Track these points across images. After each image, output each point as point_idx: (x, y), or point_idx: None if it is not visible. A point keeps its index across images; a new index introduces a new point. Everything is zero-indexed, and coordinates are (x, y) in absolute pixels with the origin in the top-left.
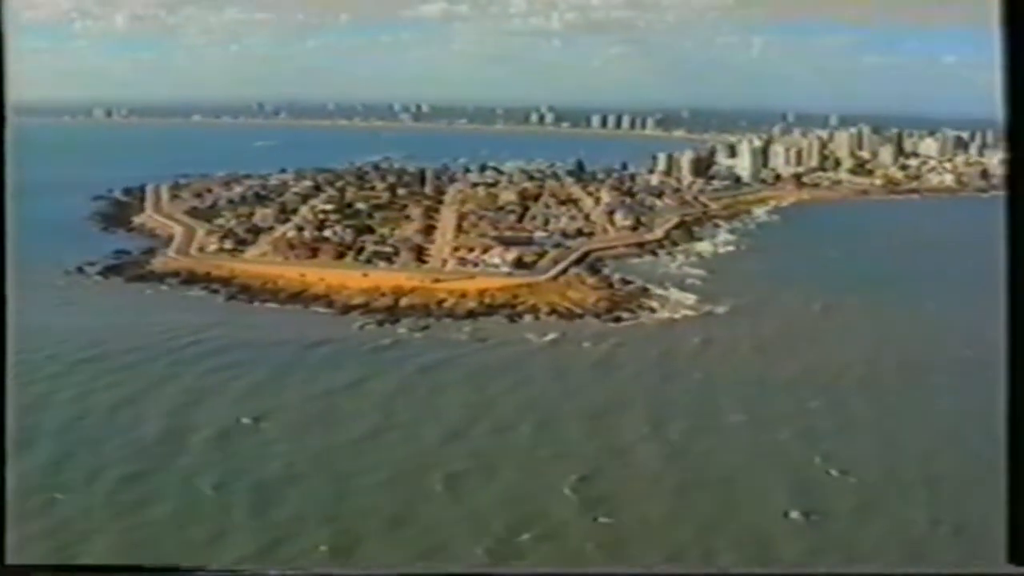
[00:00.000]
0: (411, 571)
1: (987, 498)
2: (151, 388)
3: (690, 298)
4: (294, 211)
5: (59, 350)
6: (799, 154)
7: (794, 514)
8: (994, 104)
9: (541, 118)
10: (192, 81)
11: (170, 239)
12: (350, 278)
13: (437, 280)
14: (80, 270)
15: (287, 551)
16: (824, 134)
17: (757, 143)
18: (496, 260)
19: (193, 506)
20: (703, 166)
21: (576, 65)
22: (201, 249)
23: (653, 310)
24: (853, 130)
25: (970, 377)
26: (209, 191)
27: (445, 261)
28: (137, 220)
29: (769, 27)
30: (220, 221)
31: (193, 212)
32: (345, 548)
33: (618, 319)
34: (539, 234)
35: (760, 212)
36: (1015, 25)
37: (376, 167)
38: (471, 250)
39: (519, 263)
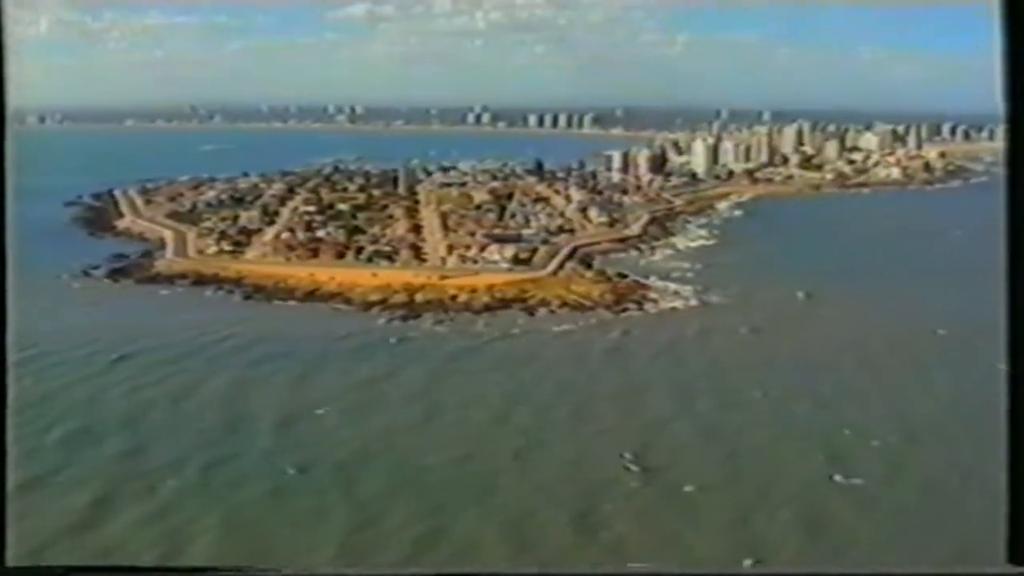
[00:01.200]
0: (413, 571)
1: (1000, 456)
2: (199, 382)
3: (685, 289)
4: (276, 213)
5: (95, 348)
6: (747, 150)
7: (838, 477)
8: (919, 97)
9: (478, 118)
10: (120, 86)
11: (161, 242)
12: (360, 276)
13: (444, 277)
14: (86, 273)
15: (389, 523)
16: (763, 130)
17: (710, 140)
18: (496, 257)
19: (284, 487)
20: (659, 163)
21: (501, 64)
22: (200, 252)
23: (655, 301)
24: (794, 126)
25: (954, 353)
26: (181, 195)
27: (444, 259)
28: (121, 225)
29: (692, 24)
30: (208, 224)
31: (175, 216)
32: (445, 522)
33: (625, 310)
34: (527, 231)
35: (723, 207)
36: (1015, 21)
37: (336, 169)
38: (468, 248)
39: (516, 259)
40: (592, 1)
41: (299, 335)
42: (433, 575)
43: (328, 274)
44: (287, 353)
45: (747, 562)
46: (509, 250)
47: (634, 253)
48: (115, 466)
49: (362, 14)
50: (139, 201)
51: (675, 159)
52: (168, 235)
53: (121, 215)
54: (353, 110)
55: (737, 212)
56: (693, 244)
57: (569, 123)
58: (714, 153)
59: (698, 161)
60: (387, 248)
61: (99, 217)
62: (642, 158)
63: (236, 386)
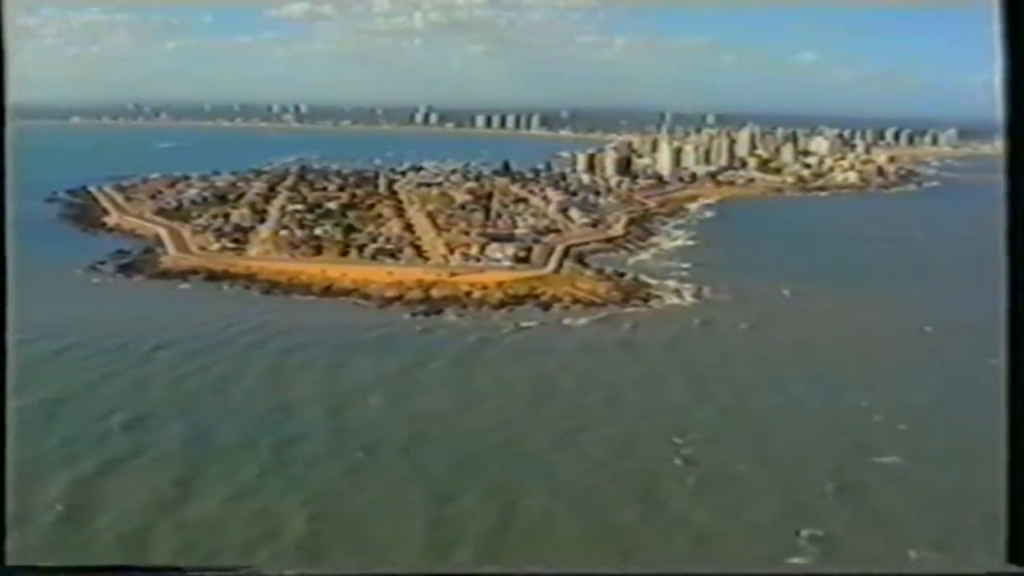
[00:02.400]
0: (412, 571)
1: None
2: (240, 369)
3: (680, 287)
4: (264, 211)
5: (128, 340)
6: (707, 153)
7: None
8: (864, 102)
9: (426, 118)
10: (58, 83)
11: (157, 239)
12: (372, 273)
13: (453, 274)
14: (94, 268)
15: (472, 498)
16: (713, 132)
17: (675, 143)
18: (498, 255)
19: (357, 466)
20: (624, 165)
21: (440, 64)
22: (202, 248)
23: (660, 297)
24: (746, 130)
25: (942, 343)
26: (160, 192)
27: (446, 257)
28: (110, 221)
29: (629, 27)
30: (200, 221)
31: (163, 213)
32: (518, 497)
33: (632, 305)
34: (518, 231)
35: (694, 208)
36: (1015, 24)
37: (305, 168)
38: (468, 246)
39: (516, 258)
40: (532, 2)
41: (325, 326)
42: (432, 575)
43: (339, 271)
44: (317, 343)
45: (805, 531)
46: (510, 249)
47: (623, 252)
48: (178, 452)
49: (300, 13)
50: (119, 198)
51: (638, 161)
52: (163, 232)
53: (105, 212)
54: (298, 109)
55: (708, 214)
56: (675, 244)
57: (517, 124)
58: (677, 156)
59: (663, 164)
60: (389, 246)
61: (85, 213)
62: (608, 160)
63: (275, 374)
